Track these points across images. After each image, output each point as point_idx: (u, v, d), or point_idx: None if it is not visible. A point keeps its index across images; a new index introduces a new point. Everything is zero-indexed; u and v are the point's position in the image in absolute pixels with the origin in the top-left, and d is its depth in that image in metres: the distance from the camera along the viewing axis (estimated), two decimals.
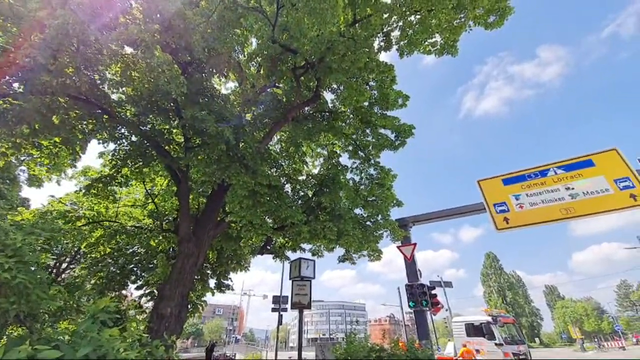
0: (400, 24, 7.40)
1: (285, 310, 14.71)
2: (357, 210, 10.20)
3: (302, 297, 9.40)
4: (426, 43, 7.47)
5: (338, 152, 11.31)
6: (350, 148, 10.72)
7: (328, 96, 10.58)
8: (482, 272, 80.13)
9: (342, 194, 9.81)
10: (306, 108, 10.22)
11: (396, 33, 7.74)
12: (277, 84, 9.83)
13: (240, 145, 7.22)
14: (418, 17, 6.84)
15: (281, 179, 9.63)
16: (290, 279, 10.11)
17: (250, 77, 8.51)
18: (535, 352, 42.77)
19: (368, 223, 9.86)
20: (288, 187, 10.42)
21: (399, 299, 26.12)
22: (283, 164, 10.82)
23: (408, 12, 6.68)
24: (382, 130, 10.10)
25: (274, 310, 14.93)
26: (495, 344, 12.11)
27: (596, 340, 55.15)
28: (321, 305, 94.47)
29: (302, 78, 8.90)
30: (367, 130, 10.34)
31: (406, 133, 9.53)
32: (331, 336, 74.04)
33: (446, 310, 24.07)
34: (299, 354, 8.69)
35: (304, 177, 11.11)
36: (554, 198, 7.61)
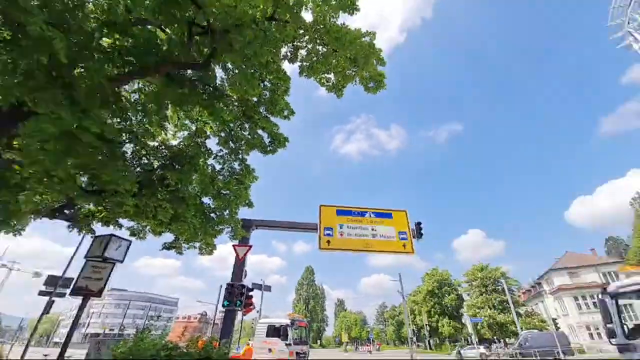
0: (310, 47, 7.95)
1: (62, 295, 11.38)
2: (206, 200, 9.53)
3: (92, 282, 7.52)
4: (323, 75, 8.32)
5: (208, 133, 10.39)
6: (223, 135, 10.10)
7: (219, 72, 9.73)
8: (299, 281, 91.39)
9: (196, 178, 8.96)
10: (189, 71, 8.93)
11: (303, 52, 8.23)
12: (163, 27, 8.12)
13: (76, 71, 5.36)
14: (324, 50, 7.58)
15: (123, 134, 7.77)
16: (85, 257, 7.95)
17: None
18: (314, 351, 52.41)
19: (212, 215, 9.37)
20: (129, 148, 8.51)
21: (217, 297, 25.71)
22: (133, 117, 8.81)
23: (318, 41, 7.30)
24: (259, 131, 10.14)
25: (43, 293, 11.24)
26: (286, 344, 13.90)
27: (355, 344, 72.99)
28: (121, 295, 79.10)
29: (197, 38, 7.79)
30: (246, 125, 10.11)
31: (280, 143, 9.98)
32: (120, 332, 62.60)
33: (257, 311, 25.54)
34: (62, 352, 6.79)
35: (156, 144, 9.43)
36: (363, 234, 9.96)
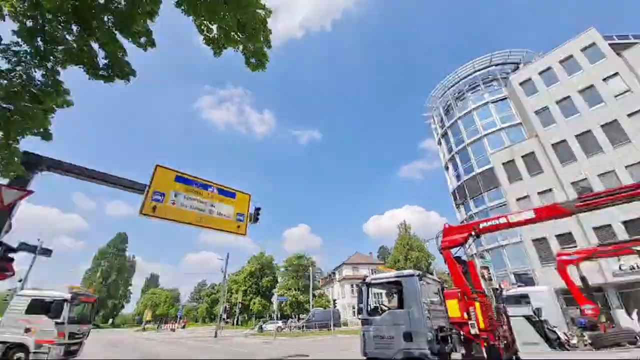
0: None
1: None
2: None
3: None
4: (204, 22, 7.22)
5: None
6: (29, 24, 6.71)
7: None
8: (101, 249, 74.44)
9: None
10: None
11: None
12: None
13: None
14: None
15: None
16: None
17: None
18: (102, 331, 43.89)
19: None
20: None
21: None
22: None
23: None
24: (94, 44, 7.48)
25: None
26: (57, 323, 10.89)
27: (158, 322, 66.81)
28: None
29: None
30: (74, 28, 7.19)
31: (122, 73, 7.74)
32: None
33: (19, 280, 18.76)
34: None
35: None
36: (200, 207, 9.33)
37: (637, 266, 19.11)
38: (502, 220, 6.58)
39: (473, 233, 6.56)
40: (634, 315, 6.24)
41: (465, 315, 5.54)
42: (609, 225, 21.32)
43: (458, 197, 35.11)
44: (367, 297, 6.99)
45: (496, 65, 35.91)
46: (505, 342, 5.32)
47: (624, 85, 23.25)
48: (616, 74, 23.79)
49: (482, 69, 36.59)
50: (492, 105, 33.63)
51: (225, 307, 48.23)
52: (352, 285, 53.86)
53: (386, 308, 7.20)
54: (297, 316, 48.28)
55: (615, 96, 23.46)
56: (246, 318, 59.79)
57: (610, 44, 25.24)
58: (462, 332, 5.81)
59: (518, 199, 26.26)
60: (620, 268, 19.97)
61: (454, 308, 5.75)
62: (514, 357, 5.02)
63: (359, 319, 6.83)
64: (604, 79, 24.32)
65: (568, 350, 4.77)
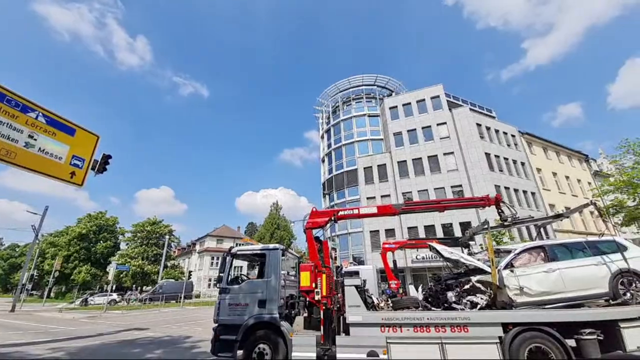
0: None
1: None
2: None
3: None
4: None
5: None
6: None
7: None
8: None
9: None
10: None
11: None
12: None
13: None
14: None
15: None
16: None
17: None
18: None
19: None
20: None
21: None
22: None
23: None
24: None
25: None
26: None
27: None
28: None
29: None
30: None
31: None
32: None
33: None
34: None
35: None
36: (10, 136, 6.60)
37: (424, 257, 27.58)
38: (355, 212, 8.05)
39: (333, 218, 7.72)
40: (420, 289, 9.21)
41: (313, 285, 6.53)
42: (416, 227, 29.68)
43: (326, 188, 39.90)
44: (230, 267, 7.05)
45: (378, 86, 43.48)
46: (337, 306, 6.65)
47: (447, 132, 32.53)
48: (445, 122, 32.93)
49: (368, 85, 43.32)
50: (367, 118, 39.88)
51: (33, 275, 36.60)
52: (212, 258, 52.11)
53: (246, 278, 7.49)
54: (139, 288, 42.45)
55: (441, 138, 32.52)
56: (63, 290, 47.66)
57: (447, 100, 34.56)
58: (307, 299, 6.82)
59: (368, 198, 32.46)
60: (416, 257, 28.27)
61: (306, 278, 6.65)
62: (341, 317, 6.38)
63: (218, 287, 6.82)
64: (438, 124, 33.21)
65: (376, 310, 6.53)
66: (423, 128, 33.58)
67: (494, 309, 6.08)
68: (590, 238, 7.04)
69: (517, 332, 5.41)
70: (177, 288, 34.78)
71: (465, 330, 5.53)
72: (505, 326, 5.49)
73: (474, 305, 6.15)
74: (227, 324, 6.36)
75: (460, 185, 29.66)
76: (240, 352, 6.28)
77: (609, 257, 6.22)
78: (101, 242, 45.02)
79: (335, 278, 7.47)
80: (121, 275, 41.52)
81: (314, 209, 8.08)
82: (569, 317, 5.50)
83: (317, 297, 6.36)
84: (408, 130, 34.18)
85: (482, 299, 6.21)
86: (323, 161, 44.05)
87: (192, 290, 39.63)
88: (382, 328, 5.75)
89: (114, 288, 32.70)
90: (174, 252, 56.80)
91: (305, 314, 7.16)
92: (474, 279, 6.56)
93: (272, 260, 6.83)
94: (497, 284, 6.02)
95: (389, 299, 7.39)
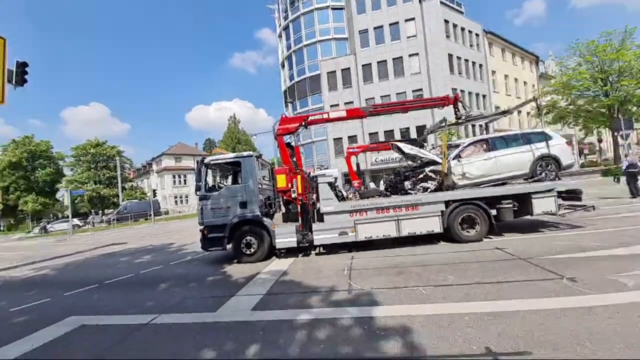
0: None
1: None
2: None
3: None
4: None
5: None
6: None
7: None
8: None
9: None
10: None
11: None
12: None
13: None
14: None
15: None
16: None
17: None
18: None
19: None
20: None
21: None
22: None
23: None
24: None
25: None
26: None
27: None
28: None
29: None
30: None
31: None
32: None
33: None
34: None
35: None
36: None
37: (383, 160, 30.05)
38: (325, 116, 8.17)
39: (304, 123, 7.81)
40: (382, 182, 10.50)
41: (289, 185, 7.12)
42: (377, 132, 31.13)
43: (288, 96, 37.95)
44: (205, 177, 7.22)
45: None
46: (312, 201, 7.49)
47: (414, 31, 30.68)
48: (413, 18, 30.62)
49: None
50: (331, 11, 35.09)
51: None
52: (174, 176, 51.16)
53: (223, 186, 7.82)
54: (100, 212, 41.66)
55: (408, 37, 30.81)
56: (13, 222, 45.08)
57: None
58: (284, 197, 7.52)
59: (332, 106, 32.04)
60: (375, 160, 30.69)
61: (282, 180, 7.17)
62: (316, 210, 7.31)
63: (197, 195, 7.11)
64: (406, 20, 30.83)
65: (345, 200, 7.55)
66: (390, 25, 31.15)
67: (440, 191, 7.34)
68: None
69: (455, 207, 6.78)
70: (143, 207, 34.88)
71: (417, 208, 6.77)
72: (447, 203, 6.80)
73: (425, 189, 7.36)
74: (213, 224, 6.96)
75: (421, 89, 30.25)
76: (229, 246, 7.14)
77: (536, 145, 7.47)
78: (39, 169, 40.65)
79: (307, 178, 8.12)
80: (77, 201, 39.75)
81: (284, 115, 8.01)
82: (496, 192, 6.93)
83: (294, 195, 7.05)
84: (374, 28, 31.55)
85: (432, 184, 7.40)
86: (283, 66, 40.40)
87: (159, 208, 40.10)
88: (351, 214, 6.78)
89: (73, 214, 31.72)
90: (129, 173, 54.15)
91: (283, 211, 8.01)
92: (427, 169, 7.61)
93: (248, 167, 7.09)
94: (446, 171, 7.11)
95: (356, 192, 8.47)
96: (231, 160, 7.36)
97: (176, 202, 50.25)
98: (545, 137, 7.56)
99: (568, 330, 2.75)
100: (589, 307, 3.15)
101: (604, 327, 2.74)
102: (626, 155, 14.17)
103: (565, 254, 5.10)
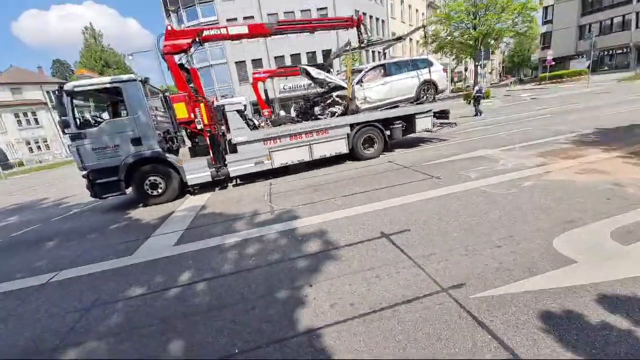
0: None
1: None
2: None
3: None
4: None
5: None
6: None
7: None
8: None
9: None
10: None
11: None
12: None
13: None
14: None
15: None
16: None
17: None
18: None
19: None
20: None
21: None
22: None
23: None
24: None
25: None
26: None
27: None
28: None
29: None
30: None
31: None
32: None
33: None
34: None
35: None
36: None
37: (291, 87, 29.13)
38: (224, 31, 7.04)
39: (197, 39, 6.59)
40: (292, 109, 10.32)
41: (192, 116, 6.34)
42: (283, 56, 29.15)
43: (169, 3, 30.13)
44: (72, 109, 5.65)
45: None
46: (222, 132, 6.99)
47: None
48: None
49: None
50: None
51: None
52: (16, 115, 37.69)
53: (101, 120, 6.35)
54: None
55: None
56: None
57: None
58: (189, 130, 6.75)
59: (228, 20, 27.37)
60: (283, 87, 29.48)
61: (182, 110, 6.28)
62: (227, 141, 6.90)
63: (67, 133, 5.61)
64: None
65: (257, 129, 7.33)
66: None
67: (346, 115, 7.92)
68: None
69: (358, 129, 7.54)
70: None
71: (326, 133, 7.24)
72: (352, 126, 7.48)
73: (333, 114, 7.79)
74: (100, 167, 5.82)
75: (326, 8, 28.58)
76: (130, 190, 6.29)
77: (421, 72, 8.54)
78: None
79: (212, 107, 7.38)
80: None
81: (170, 27, 6.53)
82: (390, 114, 7.93)
83: (199, 127, 6.39)
84: None
85: (339, 109, 7.86)
86: None
87: (7, 159, 30.07)
88: (265, 142, 6.75)
89: None
90: None
91: (189, 145, 7.28)
92: (334, 94, 7.92)
93: (132, 94, 5.80)
94: (350, 96, 7.58)
95: (268, 120, 8.24)
96: (106, 85, 5.77)
97: (31, 149, 38.42)
98: (428, 64, 8.68)
99: (433, 211, 3.83)
100: (447, 194, 4.38)
101: (455, 206, 3.92)
102: (477, 82, 17.84)
103: (435, 161, 6.60)
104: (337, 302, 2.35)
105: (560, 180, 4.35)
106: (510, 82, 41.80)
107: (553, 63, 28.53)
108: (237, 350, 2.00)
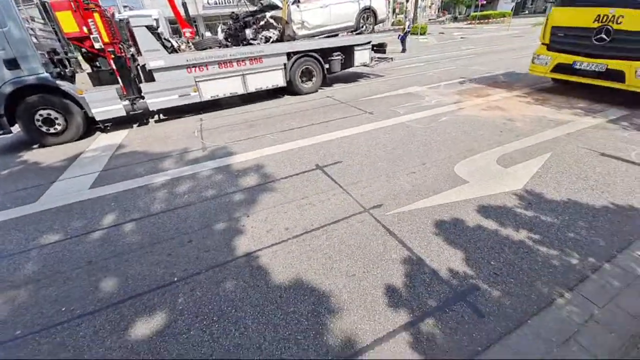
0: None
1: None
2: None
3: None
4: None
5: None
6: None
7: None
8: None
9: None
10: None
11: None
12: None
13: None
14: None
15: None
16: None
17: None
18: None
19: None
20: None
21: None
22: None
23: None
24: None
25: None
26: None
27: None
28: None
29: None
30: None
31: None
32: None
33: None
34: None
35: None
36: None
37: (217, 2, 24.52)
38: None
39: None
40: (219, 29, 8.79)
41: (85, 30, 4.99)
42: None
43: None
44: None
45: None
46: (131, 53, 5.76)
47: None
48: None
49: None
50: None
51: None
52: None
53: None
54: None
55: None
56: None
57: None
58: (85, 49, 5.39)
59: None
60: (207, 2, 24.66)
61: (68, 21, 4.85)
62: (140, 66, 5.77)
63: None
64: None
65: (177, 52, 6.21)
66: None
67: (282, 42, 7.24)
68: None
69: (296, 59, 7.07)
70: None
71: (261, 61, 6.62)
72: (289, 55, 6.95)
73: (267, 39, 7.04)
74: None
75: None
76: (16, 128, 5.05)
77: None
78: None
79: (113, 20, 5.93)
80: None
81: None
82: (328, 44, 7.52)
83: (97, 45, 5.14)
84: None
85: (274, 33, 7.10)
86: None
87: None
88: (189, 69, 5.89)
89: None
90: None
91: (89, 70, 5.92)
92: (268, 14, 7.03)
93: None
94: (286, 18, 6.83)
95: (190, 43, 7.00)
96: None
97: None
98: None
99: (364, 144, 4.11)
100: (377, 129, 4.68)
101: (383, 139, 4.25)
102: (409, 19, 17.72)
103: (370, 96, 6.79)
104: (273, 228, 2.54)
105: (470, 116, 5.00)
106: (446, 19, 42.55)
107: (485, 2, 29.56)
108: (176, 279, 2.08)
